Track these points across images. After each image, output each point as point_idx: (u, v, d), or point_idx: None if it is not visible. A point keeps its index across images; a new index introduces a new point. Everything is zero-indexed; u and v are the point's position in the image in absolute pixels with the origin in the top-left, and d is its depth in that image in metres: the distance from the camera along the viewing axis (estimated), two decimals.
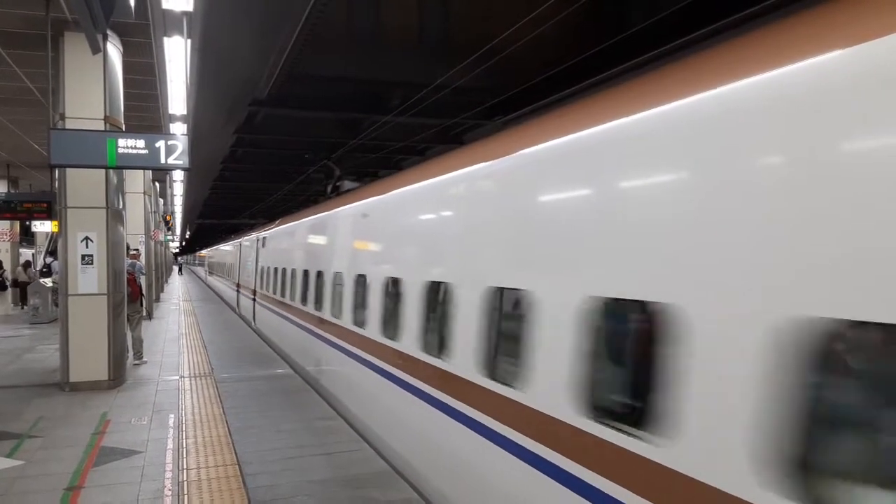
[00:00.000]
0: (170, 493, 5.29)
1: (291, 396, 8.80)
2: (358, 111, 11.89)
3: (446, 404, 5.03)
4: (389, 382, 6.33)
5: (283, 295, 12.84)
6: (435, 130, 13.02)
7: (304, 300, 10.73)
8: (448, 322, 5.02)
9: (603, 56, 7.86)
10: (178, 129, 14.11)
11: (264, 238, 16.51)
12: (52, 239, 21.81)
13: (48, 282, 17.70)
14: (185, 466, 5.88)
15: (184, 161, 8.60)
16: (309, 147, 15.15)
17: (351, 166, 16.83)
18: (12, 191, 21.30)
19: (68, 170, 8.74)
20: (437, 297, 5.34)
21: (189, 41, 9.07)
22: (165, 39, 9.30)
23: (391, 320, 6.37)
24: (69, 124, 8.75)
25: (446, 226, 5.47)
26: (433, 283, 5.41)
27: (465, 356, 4.75)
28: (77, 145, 8.10)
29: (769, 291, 2.40)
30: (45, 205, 13.73)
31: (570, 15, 6.52)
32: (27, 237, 31.60)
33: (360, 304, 7.44)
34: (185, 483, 5.48)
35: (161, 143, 8.45)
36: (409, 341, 5.82)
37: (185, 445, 6.50)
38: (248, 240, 20.25)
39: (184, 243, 77.38)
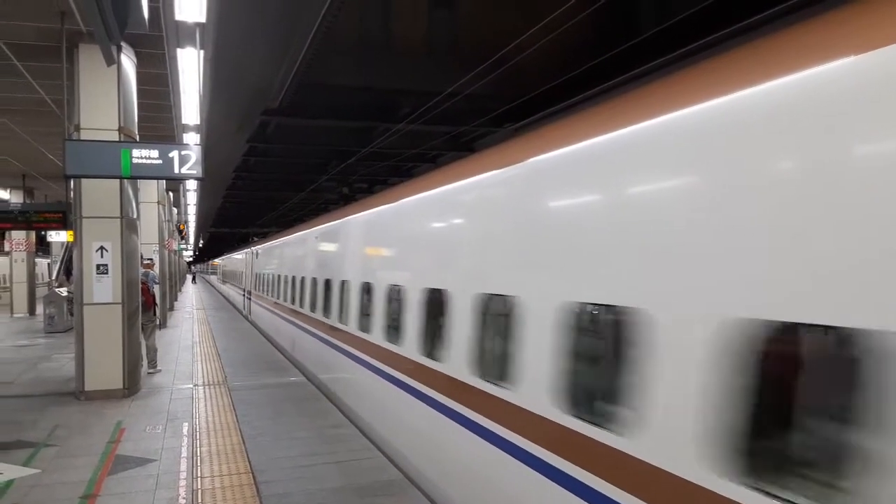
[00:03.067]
0: (184, 501, 5.31)
1: (304, 404, 8.81)
2: (369, 120, 11.95)
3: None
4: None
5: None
6: (445, 138, 13.07)
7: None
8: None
9: (613, 63, 7.85)
10: (192, 139, 14.22)
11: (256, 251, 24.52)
12: (68, 249, 21.93)
13: (63, 291, 17.88)
14: (199, 475, 5.90)
15: (197, 170, 8.66)
16: (321, 155, 15.24)
17: (363, 174, 16.91)
18: (28, 201, 21.52)
19: (83, 180, 8.84)
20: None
21: (202, 52, 9.16)
22: (178, 51, 9.39)
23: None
24: (84, 135, 8.83)
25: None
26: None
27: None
28: (92, 156, 8.17)
29: None
30: (59, 215, 13.87)
31: (579, 23, 6.52)
32: (42, 247, 31.93)
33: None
34: (200, 491, 5.50)
35: (175, 153, 8.51)
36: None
37: (199, 454, 6.52)
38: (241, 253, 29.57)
39: (197, 252, 77.88)
